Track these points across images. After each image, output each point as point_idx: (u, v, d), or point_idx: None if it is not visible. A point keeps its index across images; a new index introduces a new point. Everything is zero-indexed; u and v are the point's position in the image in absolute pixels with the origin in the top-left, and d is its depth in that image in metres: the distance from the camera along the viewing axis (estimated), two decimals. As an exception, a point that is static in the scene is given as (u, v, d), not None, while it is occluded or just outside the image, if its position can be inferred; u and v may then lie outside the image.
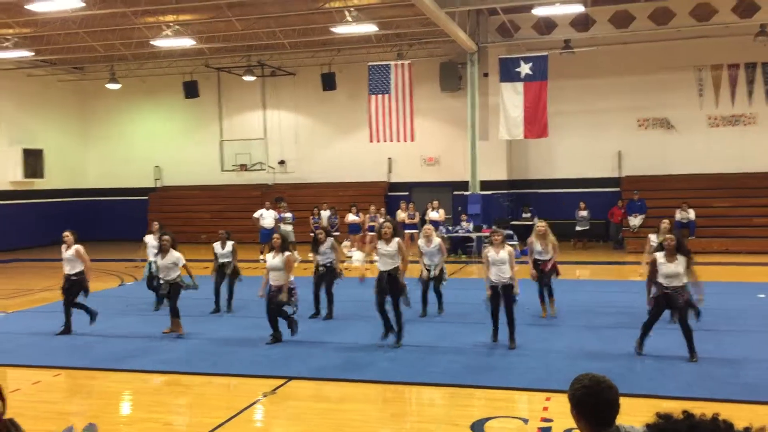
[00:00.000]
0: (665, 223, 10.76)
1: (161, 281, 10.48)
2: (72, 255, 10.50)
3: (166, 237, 10.41)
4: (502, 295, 9.15)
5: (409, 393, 7.77)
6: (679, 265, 8.38)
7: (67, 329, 10.55)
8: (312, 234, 11.99)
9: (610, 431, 3.02)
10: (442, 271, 11.35)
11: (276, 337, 9.72)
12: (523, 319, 10.82)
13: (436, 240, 11.40)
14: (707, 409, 2.58)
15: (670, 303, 8.45)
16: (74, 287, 10.55)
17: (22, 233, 24.58)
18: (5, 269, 19.72)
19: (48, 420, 6.70)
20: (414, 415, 7.30)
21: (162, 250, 10.39)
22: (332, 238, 11.74)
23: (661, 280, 8.47)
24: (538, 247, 10.91)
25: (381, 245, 9.37)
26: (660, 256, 8.51)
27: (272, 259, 9.63)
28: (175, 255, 10.31)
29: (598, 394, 3.05)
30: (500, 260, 9.10)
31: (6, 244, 23.66)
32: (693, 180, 21.56)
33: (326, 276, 11.52)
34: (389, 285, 9.21)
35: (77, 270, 10.55)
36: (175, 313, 10.27)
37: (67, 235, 10.60)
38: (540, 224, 11.14)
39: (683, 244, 8.62)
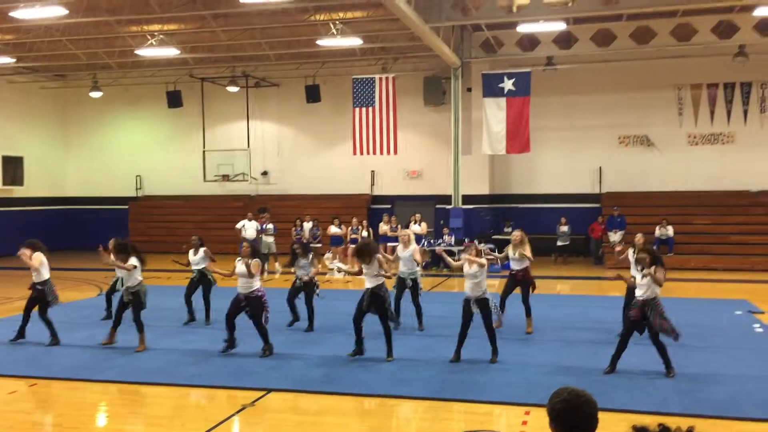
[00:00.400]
0: (638, 238, 10.87)
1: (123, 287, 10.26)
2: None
3: (119, 241, 10.41)
4: (478, 310, 9.11)
5: (389, 406, 7.76)
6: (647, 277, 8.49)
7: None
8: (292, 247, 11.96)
9: (587, 445, 3.04)
10: (416, 281, 11.37)
11: (231, 343, 9.72)
12: (502, 334, 10.84)
13: (413, 246, 11.46)
14: (683, 424, 2.61)
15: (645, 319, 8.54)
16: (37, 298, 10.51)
17: (1, 241, 24.28)
18: (-18, 277, 19.46)
19: (22, 430, 6.61)
20: (393, 429, 7.29)
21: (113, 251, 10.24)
22: (311, 253, 11.71)
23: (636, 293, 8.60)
24: (511, 254, 10.95)
25: (364, 267, 9.39)
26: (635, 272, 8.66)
27: (241, 266, 9.62)
28: (132, 260, 10.13)
29: (577, 408, 3.07)
30: (472, 274, 9.07)
31: (-17, 251, 23.34)
32: (672, 197, 21.81)
33: (305, 288, 11.49)
34: (373, 301, 9.21)
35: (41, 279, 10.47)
36: (140, 327, 10.07)
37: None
38: (515, 233, 11.25)
39: (658, 256, 8.75)
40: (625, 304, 10.17)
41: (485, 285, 9.14)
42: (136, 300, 10.02)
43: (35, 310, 10.59)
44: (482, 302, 9.08)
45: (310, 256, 11.59)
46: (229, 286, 12.40)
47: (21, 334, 10.61)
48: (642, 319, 8.54)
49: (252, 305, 9.59)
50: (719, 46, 19.97)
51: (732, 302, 14.25)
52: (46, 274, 10.51)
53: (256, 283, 9.65)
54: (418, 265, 11.53)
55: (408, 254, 11.35)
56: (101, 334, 10.99)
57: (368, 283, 9.32)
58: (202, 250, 12.14)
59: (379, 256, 9.47)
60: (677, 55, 20.82)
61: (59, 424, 7.11)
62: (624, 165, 22.47)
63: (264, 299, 9.65)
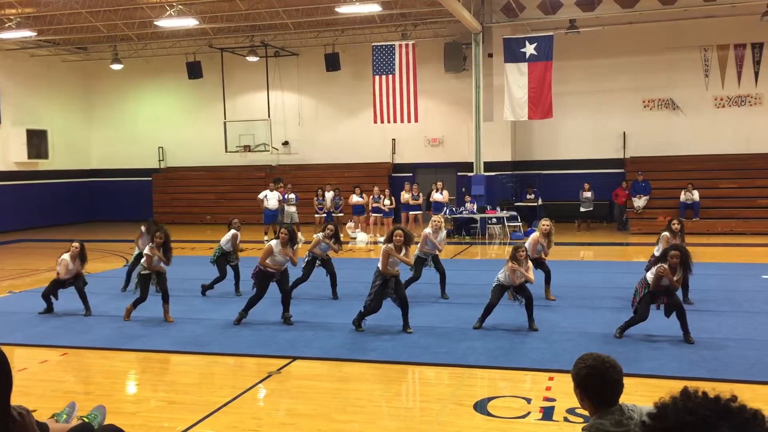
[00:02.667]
0: (675, 225, 10.59)
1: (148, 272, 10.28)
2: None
3: (158, 234, 10.37)
4: (517, 291, 9.20)
5: (413, 373, 7.82)
6: (676, 277, 8.27)
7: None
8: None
9: (613, 410, 3.05)
10: (436, 257, 11.32)
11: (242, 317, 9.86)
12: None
13: (443, 233, 11.41)
14: (708, 389, 2.59)
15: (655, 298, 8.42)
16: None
17: (27, 214, 24.67)
18: (11, 250, 19.81)
19: (54, 399, 6.77)
20: (418, 395, 7.35)
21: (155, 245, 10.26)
22: (333, 239, 11.49)
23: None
24: (539, 245, 10.80)
25: (394, 254, 9.22)
26: (664, 269, 8.25)
27: (281, 255, 9.62)
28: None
29: (602, 374, 3.07)
30: (518, 276, 9.09)
31: (11, 224, 23.76)
32: (698, 161, 21.50)
33: (324, 263, 11.45)
34: (396, 290, 9.18)
35: None
36: (165, 298, 10.20)
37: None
38: (544, 222, 11.00)
39: (688, 261, 8.34)
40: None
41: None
42: (161, 277, 10.17)
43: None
44: (521, 288, 9.14)
45: (332, 240, 11.34)
46: (255, 256, 12.52)
47: (50, 308, 10.82)
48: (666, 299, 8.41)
49: (281, 277, 9.78)
50: (747, 6, 19.48)
51: (759, 266, 14.11)
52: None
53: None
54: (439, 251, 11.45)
55: (439, 240, 11.23)
56: (127, 305, 11.17)
57: (392, 268, 9.17)
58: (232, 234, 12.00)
59: (408, 249, 9.41)
60: (703, 15, 20.36)
61: (90, 392, 7.26)
62: (648, 129, 22.16)
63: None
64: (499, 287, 9.20)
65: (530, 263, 9.43)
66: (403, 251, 9.31)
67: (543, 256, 11.01)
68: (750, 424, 1.63)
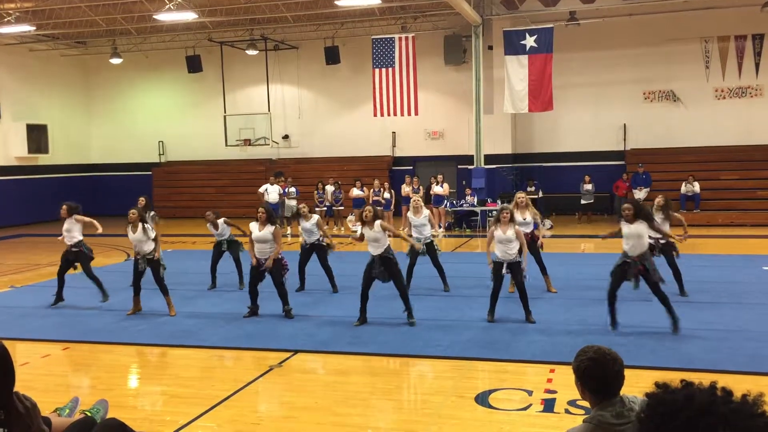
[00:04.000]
0: (660, 199, 10.68)
1: (137, 257, 10.14)
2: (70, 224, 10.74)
3: (132, 210, 10.07)
4: (511, 272, 9.10)
5: (414, 366, 7.84)
6: (640, 227, 8.38)
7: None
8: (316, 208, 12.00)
9: (614, 402, 3.06)
10: (432, 243, 11.26)
11: (253, 310, 9.84)
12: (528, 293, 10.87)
13: (425, 211, 11.31)
14: (709, 380, 2.60)
15: (627, 273, 8.47)
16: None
17: (28, 209, 24.67)
18: (11, 244, 19.83)
19: (56, 392, 6.79)
20: (419, 387, 7.37)
21: (130, 223, 9.99)
22: (317, 216, 11.66)
23: (624, 246, 8.50)
24: (518, 217, 10.40)
25: (365, 230, 9.23)
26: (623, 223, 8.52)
27: (258, 231, 9.66)
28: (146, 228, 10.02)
29: (604, 366, 3.08)
30: (507, 239, 8.99)
31: (12, 219, 23.78)
32: (699, 153, 21.47)
33: (317, 252, 11.43)
34: (385, 268, 9.12)
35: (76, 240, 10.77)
36: (164, 290, 10.13)
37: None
38: (520, 194, 10.94)
39: (642, 208, 8.62)
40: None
41: (519, 249, 9.08)
42: (153, 265, 10.04)
43: (72, 272, 10.87)
44: (515, 265, 9.05)
45: (316, 218, 11.45)
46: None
47: (60, 297, 10.88)
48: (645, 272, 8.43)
49: (273, 270, 9.66)
50: (748, -3, 19.44)
51: (760, 258, 14.10)
52: (79, 236, 10.83)
53: (150, 245, 9.96)
54: (433, 227, 11.41)
55: (423, 219, 11.17)
56: (131, 299, 11.18)
57: (373, 250, 9.15)
58: (221, 221, 11.96)
59: (381, 221, 9.29)
60: (704, 7, 20.30)
61: (93, 386, 7.28)
62: (649, 121, 22.13)
63: (284, 262, 9.77)
64: (498, 266, 9.14)
65: (524, 240, 9.25)
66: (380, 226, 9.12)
67: (537, 236, 10.91)
68: (748, 406, 1.63)
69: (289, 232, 19.13)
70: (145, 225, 9.99)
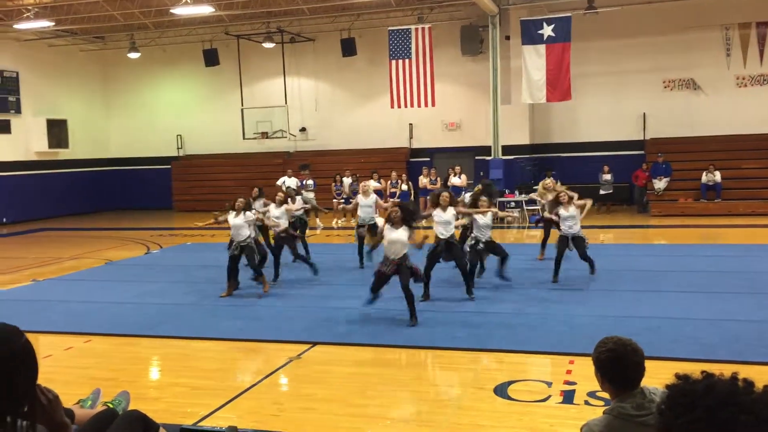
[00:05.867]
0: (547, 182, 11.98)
1: (232, 242, 10.75)
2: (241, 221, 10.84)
3: (241, 199, 10.86)
4: (574, 245, 10.72)
5: (433, 357, 7.84)
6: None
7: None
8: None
9: (634, 393, 3.04)
10: (375, 225, 11.58)
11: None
12: (545, 284, 10.84)
13: (451, 209, 11.07)
14: (730, 371, 2.57)
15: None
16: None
17: (49, 203, 24.94)
18: (33, 238, 20.06)
19: (79, 384, 6.86)
20: (437, 379, 7.37)
21: (235, 209, 10.72)
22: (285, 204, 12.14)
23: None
24: (563, 212, 11.22)
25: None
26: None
27: (234, 218, 10.65)
28: (247, 214, 10.69)
29: (624, 357, 3.06)
30: (570, 216, 10.72)
31: (33, 213, 24.04)
32: (719, 141, 21.21)
33: (285, 241, 11.71)
34: (449, 251, 9.92)
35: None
36: (258, 272, 10.77)
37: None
38: (548, 181, 11.80)
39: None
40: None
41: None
42: (247, 251, 10.59)
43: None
44: (577, 239, 10.82)
45: (283, 207, 11.82)
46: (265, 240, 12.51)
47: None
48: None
49: (247, 251, 10.53)
50: (769, -18, 19.13)
51: (782, 248, 13.93)
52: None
53: (246, 231, 10.63)
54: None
55: (369, 203, 12.40)
56: (152, 292, 11.30)
57: (444, 232, 10.00)
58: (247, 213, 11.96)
59: (456, 207, 10.43)
60: (724, -7, 20.02)
61: (115, 378, 7.35)
62: (669, 110, 21.89)
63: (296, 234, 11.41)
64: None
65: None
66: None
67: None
68: None
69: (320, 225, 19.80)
70: (247, 212, 10.71)
